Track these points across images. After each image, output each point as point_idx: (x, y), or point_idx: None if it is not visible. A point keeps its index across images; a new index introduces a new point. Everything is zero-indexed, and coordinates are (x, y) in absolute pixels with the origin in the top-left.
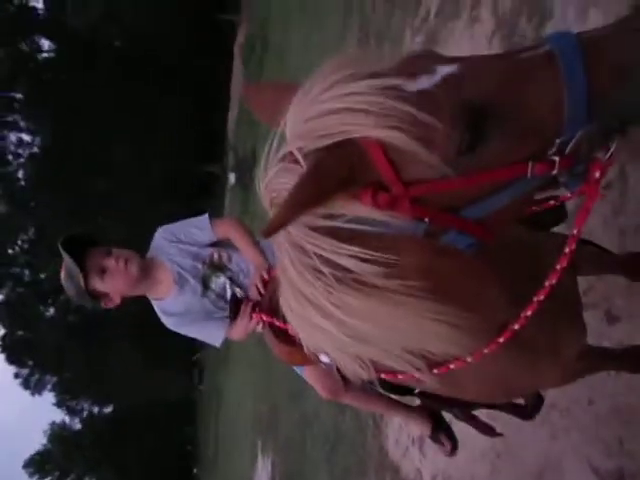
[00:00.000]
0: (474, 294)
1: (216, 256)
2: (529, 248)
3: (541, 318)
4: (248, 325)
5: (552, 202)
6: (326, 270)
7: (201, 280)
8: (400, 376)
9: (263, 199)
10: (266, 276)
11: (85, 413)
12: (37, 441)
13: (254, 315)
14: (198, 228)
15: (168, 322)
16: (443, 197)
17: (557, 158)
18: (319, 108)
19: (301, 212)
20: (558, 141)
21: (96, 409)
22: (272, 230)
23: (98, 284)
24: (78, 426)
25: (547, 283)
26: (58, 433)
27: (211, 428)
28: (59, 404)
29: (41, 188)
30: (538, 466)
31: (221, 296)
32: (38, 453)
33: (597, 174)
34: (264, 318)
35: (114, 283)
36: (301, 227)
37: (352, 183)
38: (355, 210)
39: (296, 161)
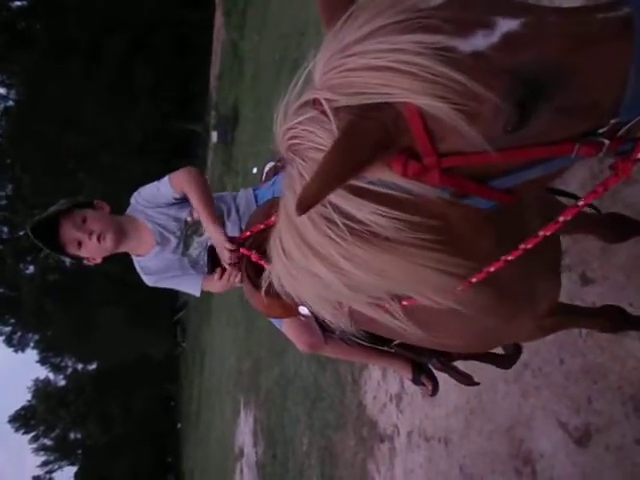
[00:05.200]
0: (476, 246)
1: (195, 213)
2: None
3: (525, 266)
4: (227, 278)
5: None
6: (339, 221)
7: (183, 240)
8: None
9: (279, 142)
10: (230, 246)
11: (69, 370)
12: (22, 397)
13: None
14: (160, 185)
15: (147, 280)
16: (476, 169)
17: (607, 141)
18: (358, 60)
19: (336, 185)
20: (612, 122)
21: (80, 366)
22: (306, 205)
23: (77, 251)
24: (62, 383)
25: (541, 233)
26: (42, 389)
27: (194, 384)
28: (43, 361)
29: (17, 143)
30: (509, 421)
31: (201, 257)
32: (23, 408)
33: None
34: (245, 253)
35: (91, 253)
36: None
37: (387, 150)
38: (383, 175)
39: (324, 112)
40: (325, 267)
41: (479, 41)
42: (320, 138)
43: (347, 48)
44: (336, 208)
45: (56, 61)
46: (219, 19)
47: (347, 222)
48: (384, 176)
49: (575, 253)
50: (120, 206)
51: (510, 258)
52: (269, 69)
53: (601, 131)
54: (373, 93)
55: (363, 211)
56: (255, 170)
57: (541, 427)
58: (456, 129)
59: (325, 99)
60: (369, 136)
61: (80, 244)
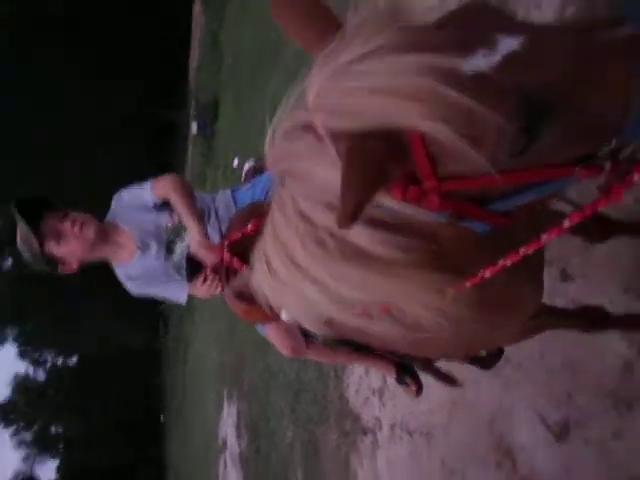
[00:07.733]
0: (467, 263)
1: (176, 217)
2: None
3: (511, 275)
4: (209, 284)
5: None
6: (330, 242)
7: (165, 245)
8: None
9: (270, 164)
10: (205, 244)
11: (49, 364)
12: (2, 392)
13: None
14: (142, 190)
15: (131, 287)
16: (475, 192)
17: (608, 164)
18: (358, 82)
19: (367, 198)
20: (614, 144)
21: (60, 360)
22: (348, 220)
23: (54, 248)
24: (42, 377)
25: (522, 250)
26: (22, 384)
27: (177, 377)
28: (22, 355)
29: None
30: (490, 415)
31: (184, 262)
32: (2, 403)
33: (637, 177)
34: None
35: (70, 248)
36: (314, 204)
37: (389, 173)
38: (380, 199)
39: (319, 136)
40: (313, 286)
41: (480, 60)
42: (315, 164)
43: (344, 68)
44: (327, 230)
45: (28, 42)
46: (198, 9)
47: (338, 243)
48: (381, 200)
49: (555, 249)
50: (94, 190)
51: (487, 275)
52: (249, 58)
53: (602, 154)
54: (372, 117)
55: (357, 234)
56: (236, 162)
57: (522, 420)
58: (458, 152)
59: (320, 122)
60: (370, 161)
61: (60, 237)
